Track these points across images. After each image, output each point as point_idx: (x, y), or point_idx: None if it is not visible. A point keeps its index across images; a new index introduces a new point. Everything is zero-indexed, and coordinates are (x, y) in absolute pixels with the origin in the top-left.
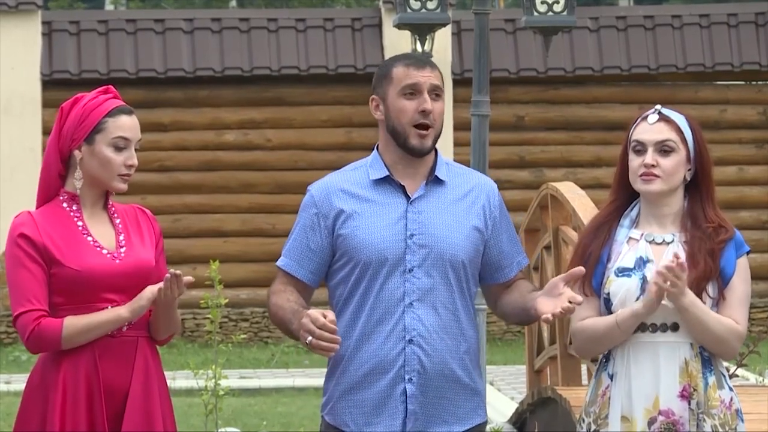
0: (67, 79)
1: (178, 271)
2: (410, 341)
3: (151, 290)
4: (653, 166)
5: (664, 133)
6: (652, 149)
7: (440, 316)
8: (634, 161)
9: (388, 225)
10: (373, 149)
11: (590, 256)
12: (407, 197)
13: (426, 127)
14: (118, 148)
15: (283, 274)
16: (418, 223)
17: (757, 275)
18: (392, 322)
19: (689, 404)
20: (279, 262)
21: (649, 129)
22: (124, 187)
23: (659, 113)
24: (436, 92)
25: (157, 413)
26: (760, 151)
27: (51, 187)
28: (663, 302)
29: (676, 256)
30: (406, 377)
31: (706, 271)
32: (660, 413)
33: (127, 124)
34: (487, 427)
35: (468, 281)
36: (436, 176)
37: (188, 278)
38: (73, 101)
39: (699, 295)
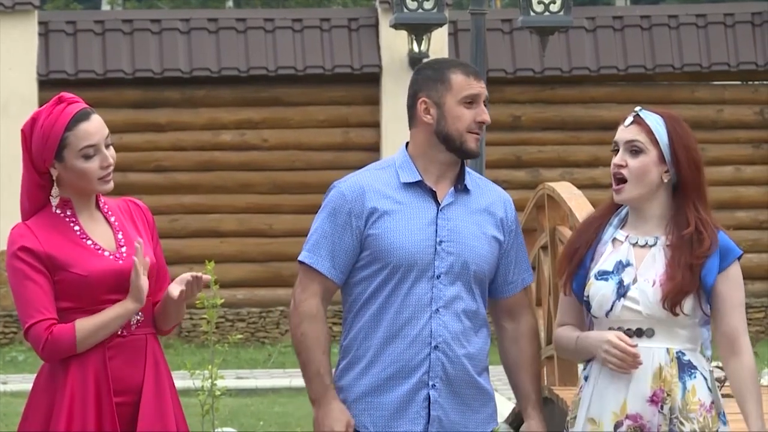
0: (64, 79)
1: (198, 273)
2: (435, 347)
3: (136, 272)
4: (621, 166)
5: (633, 133)
6: (623, 149)
7: (463, 324)
8: (612, 162)
9: (419, 229)
10: (398, 149)
11: (575, 255)
12: (437, 203)
13: (477, 133)
14: (88, 157)
15: (313, 274)
16: (447, 230)
17: (754, 275)
18: (418, 327)
19: (661, 409)
20: (309, 260)
21: (623, 130)
22: (108, 187)
23: (635, 115)
24: (486, 103)
25: (170, 411)
26: (756, 150)
27: (36, 200)
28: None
29: (623, 340)
30: (430, 383)
31: (684, 285)
32: (627, 417)
33: (89, 131)
34: None
35: (485, 290)
36: (465, 185)
37: (206, 277)
38: (31, 122)
39: (673, 307)
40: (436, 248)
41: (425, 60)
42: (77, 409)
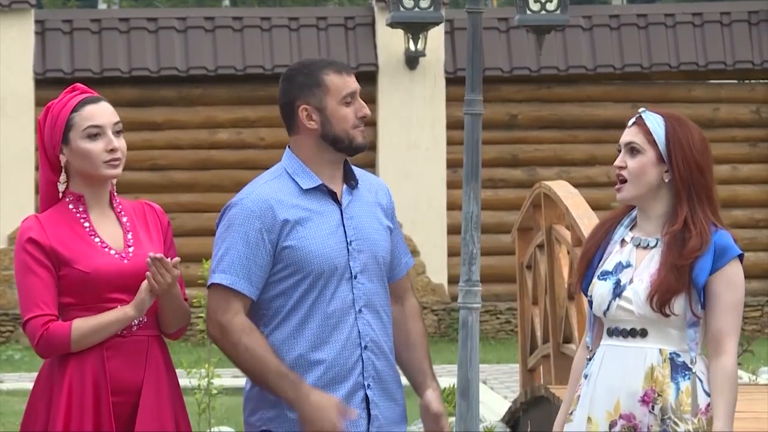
0: (61, 78)
1: (158, 254)
2: (365, 347)
3: (146, 286)
4: (621, 167)
5: (632, 134)
6: (623, 151)
7: (382, 320)
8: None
9: (330, 233)
10: (288, 156)
11: (586, 256)
12: (338, 204)
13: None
14: (92, 137)
15: (231, 295)
16: (353, 228)
17: (751, 274)
18: (347, 330)
19: (652, 409)
20: (228, 282)
21: (625, 132)
22: (114, 172)
23: (638, 117)
24: (359, 96)
25: (168, 414)
26: (753, 149)
27: (51, 196)
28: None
29: None
30: (365, 383)
31: (669, 285)
32: (621, 417)
33: (95, 112)
34: (481, 426)
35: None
36: (353, 180)
37: (175, 259)
38: (45, 111)
39: (662, 308)
40: (348, 249)
41: (296, 64)
42: (75, 408)
